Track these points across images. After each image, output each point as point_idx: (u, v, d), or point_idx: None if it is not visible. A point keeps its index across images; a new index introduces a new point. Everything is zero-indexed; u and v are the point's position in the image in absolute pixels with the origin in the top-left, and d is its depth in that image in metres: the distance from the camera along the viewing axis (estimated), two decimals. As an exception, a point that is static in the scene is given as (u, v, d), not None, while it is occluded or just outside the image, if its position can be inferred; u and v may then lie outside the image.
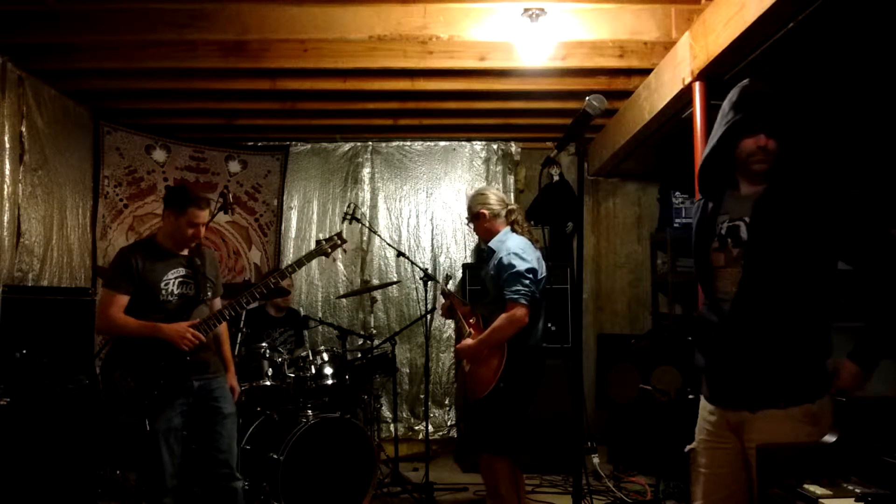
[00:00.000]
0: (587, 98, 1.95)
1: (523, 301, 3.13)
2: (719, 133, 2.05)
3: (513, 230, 3.37)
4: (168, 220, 3.11)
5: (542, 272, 3.28)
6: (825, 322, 1.97)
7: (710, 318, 2.07)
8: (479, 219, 3.40)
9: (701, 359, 2.12)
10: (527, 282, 3.15)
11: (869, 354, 1.92)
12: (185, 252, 3.18)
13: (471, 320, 3.45)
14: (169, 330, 2.99)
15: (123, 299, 3.05)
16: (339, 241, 3.51)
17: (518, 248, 3.23)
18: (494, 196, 3.44)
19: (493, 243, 3.36)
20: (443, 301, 3.70)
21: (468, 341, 3.34)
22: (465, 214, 3.57)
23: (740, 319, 1.97)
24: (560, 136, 2.08)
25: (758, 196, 2.01)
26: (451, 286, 4.01)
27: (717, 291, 2.05)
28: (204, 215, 3.11)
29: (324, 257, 3.60)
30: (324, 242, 3.45)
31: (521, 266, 3.16)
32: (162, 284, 3.08)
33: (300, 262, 3.38)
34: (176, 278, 3.11)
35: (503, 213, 3.41)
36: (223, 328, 3.32)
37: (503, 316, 3.15)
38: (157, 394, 2.95)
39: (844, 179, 1.98)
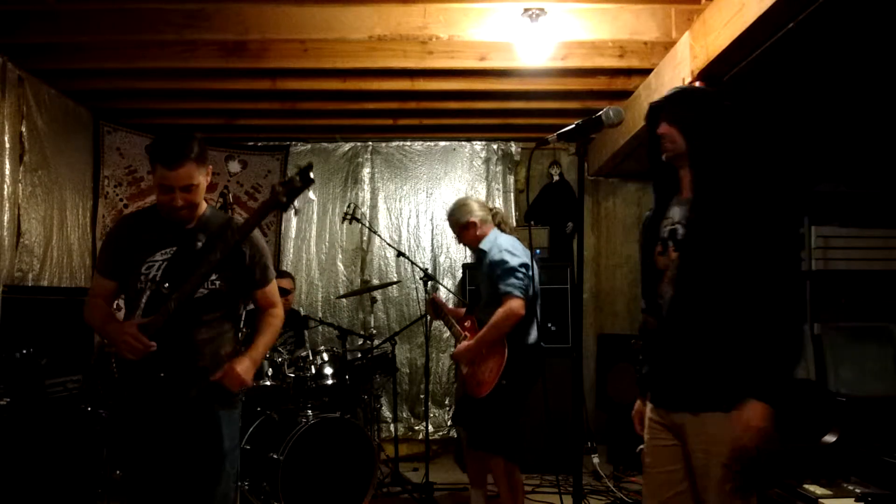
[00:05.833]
0: (606, 108, 1.94)
1: (518, 293, 3.18)
2: (648, 131, 2.14)
3: (501, 231, 3.46)
4: None
5: (534, 270, 3.33)
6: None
7: (649, 322, 2.10)
8: (470, 228, 3.45)
9: (645, 362, 2.13)
10: (520, 275, 3.22)
11: (774, 390, 1.82)
12: (192, 225, 2.35)
13: (466, 323, 3.48)
14: (112, 330, 2.23)
15: (107, 284, 2.36)
16: (298, 182, 2.20)
17: (508, 245, 3.31)
18: (476, 203, 3.52)
19: (483, 244, 3.43)
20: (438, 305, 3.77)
21: (466, 343, 3.35)
22: (452, 230, 3.59)
23: (676, 321, 1.97)
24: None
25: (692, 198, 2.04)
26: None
27: (658, 296, 2.04)
28: (176, 175, 2.20)
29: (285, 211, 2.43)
30: (278, 187, 2.24)
31: (513, 261, 3.23)
32: (143, 268, 2.28)
33: (251, 223, 2.31)
34: (164, 260, 2.29)
35: (489, 217, 3.49)
36: (269, 320, 2.52)
37: (500, 310, 3.19)
38: (111, 416, 2.34)
39: (768, 176, 1.96)
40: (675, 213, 2.07)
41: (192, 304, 2.27)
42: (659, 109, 2.06)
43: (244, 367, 2.34)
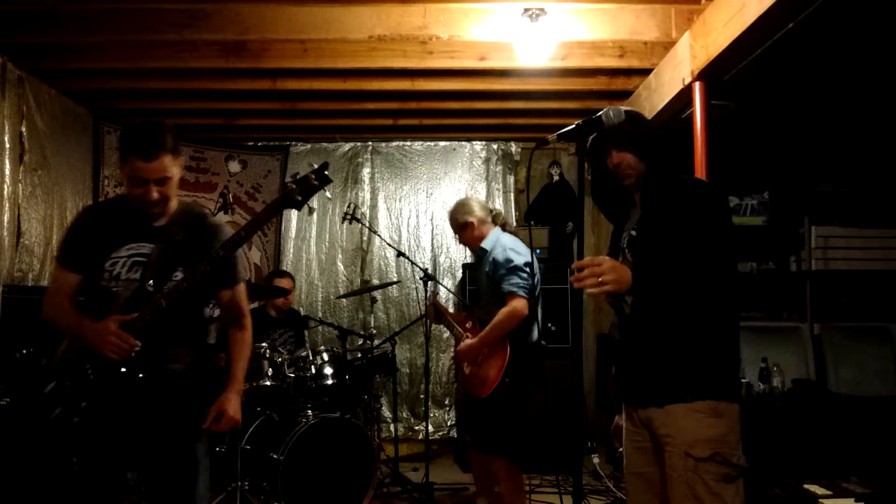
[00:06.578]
0: (606, 108, 1.95)
1: (522, 293, 3.18)
2: (592, 165, 2.19)
3: (504, 230, 3.46)
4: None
5: (536, 270, 3.33)
6: (727, 321, 1.99)
7: (616, 324, 2.18)
8: (468, 228, 3.46)
9: (613, 363, 2.22)
10: (524, 275, 3.22)
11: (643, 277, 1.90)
12: (163, 221, 2.22)
13: (467, 324, 3.48)
14: (92, 329, 2.09)
15: (71, 278, 2.21)
16: (314, 181, 2.11)
17: (513, 244, 3.32)
18: (477, 203, 3.53)
19: (485, 243, 3.43)
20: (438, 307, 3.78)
21: (469, 341, 3.34)
22: (452, 230, 3.61)
23: (637, 322, 2.05)
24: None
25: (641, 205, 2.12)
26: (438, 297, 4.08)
27: (623, 300, 2.12)
28: (152, 168, 2.08)
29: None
30: (292, 185, 2.15)
31: (517, 260, 3.23)
32: (108, 264, 2.16)
33: (261, 219, 2.19)
34: (131, 257, 2.16)
35: (489, 218, 3.49)
36: (241, 337, 2.35)
37: (503, 310, 3.18)
38: (80, 421, 2.17)
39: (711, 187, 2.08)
40: (632, 223, 2.16)
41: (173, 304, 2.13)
42: (602, 142, 2.07)
43: (234, 407, 2.23)
